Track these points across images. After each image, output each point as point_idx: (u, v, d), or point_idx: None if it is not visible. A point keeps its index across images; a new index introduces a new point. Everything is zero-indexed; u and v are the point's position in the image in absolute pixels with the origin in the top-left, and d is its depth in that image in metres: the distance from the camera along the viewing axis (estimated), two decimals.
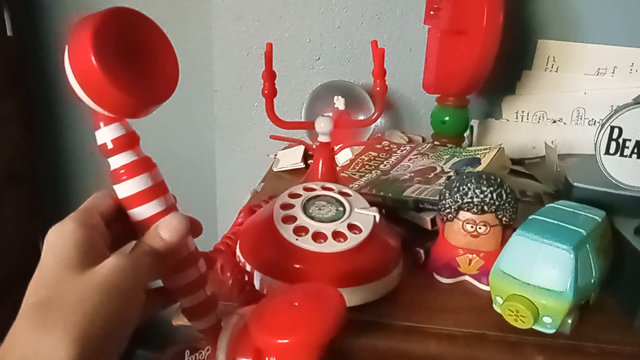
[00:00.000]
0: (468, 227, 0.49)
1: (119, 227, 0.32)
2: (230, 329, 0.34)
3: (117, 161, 0.31)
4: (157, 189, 0.32)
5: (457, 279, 0.52)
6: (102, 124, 0.30)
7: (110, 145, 0.31)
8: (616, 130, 0.53)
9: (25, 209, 1.30)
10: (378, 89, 0.60)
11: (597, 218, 0.48)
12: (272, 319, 0.33)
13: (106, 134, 0.30)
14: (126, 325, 0.28)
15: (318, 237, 0.45)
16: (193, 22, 1.16)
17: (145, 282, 0.29)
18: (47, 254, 0.28)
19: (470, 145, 0.89)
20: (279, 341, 0.31)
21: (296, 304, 0.33)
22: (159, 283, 0.34)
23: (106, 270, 0.28)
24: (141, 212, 0.31)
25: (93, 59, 0.26)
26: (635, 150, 0.53)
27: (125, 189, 0.31)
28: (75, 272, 0.27)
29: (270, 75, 0.55)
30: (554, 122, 0.91)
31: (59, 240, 0.28)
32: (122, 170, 0.31)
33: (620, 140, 0.54)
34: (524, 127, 0.92)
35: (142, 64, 0.29)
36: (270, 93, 0.56)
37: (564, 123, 0.91)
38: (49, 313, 0.26)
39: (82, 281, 0.27)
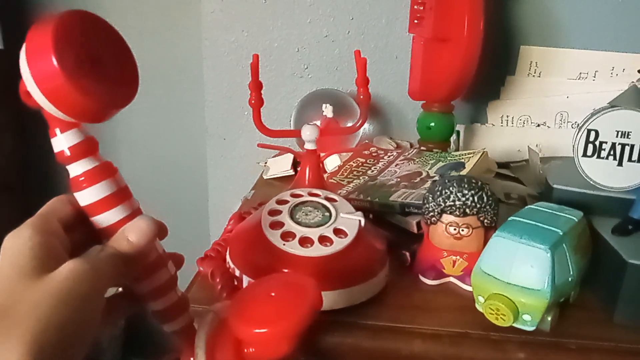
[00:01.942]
0: (451, 229, 0.51)
1: (81, 233, 0.31)
2: (207, 326, 0.34)
3: (77, 169, 0.30)
4: (120, 195, 0.31)
5: (441, 280, 0.53)
6: (58, 131, 0.29)
7: (67, 153, 0.29)
8: (593, 133, 0.55)
9: (19, 218, 1.30)
10: (362, 97, 0.62)
11: (574, 218, 0.49)
12: (251, 310, 0.33)
13: (63, 141, 0.29)
14: (84, 330, 0.27)
15: (305, 241, 0.46)
16: (184, 32, 1.17)
17: (106, 286, 0.28)
18: (3, 261, 0.27)
19: (458, 149, 0.90)
20: (257, 331, 0.32)
21: (273, 294, 0.34)
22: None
23: (62, 276, 0.27)
24: (105, 219, 0.31)
25: (54, 59, 0.25)
26: (612, 152, 0.55)
27: (86, 197, 0.30)
28: (30, 279, 0.26)
29: (256, 86, 0.56)
30: (538, 125, 0.93)
31: (14, 246, 0.28)
32: (82, 178, 0.30)
33: (597, 143, 0.55)
34: (509, 131, 0.94)
35: (101, 67, 0.28)
36: (257, 103, 0.57)
37: (548, 127, 0.93)
38: (2, 321, 0.25)
39: (36, 287, 0.26)
